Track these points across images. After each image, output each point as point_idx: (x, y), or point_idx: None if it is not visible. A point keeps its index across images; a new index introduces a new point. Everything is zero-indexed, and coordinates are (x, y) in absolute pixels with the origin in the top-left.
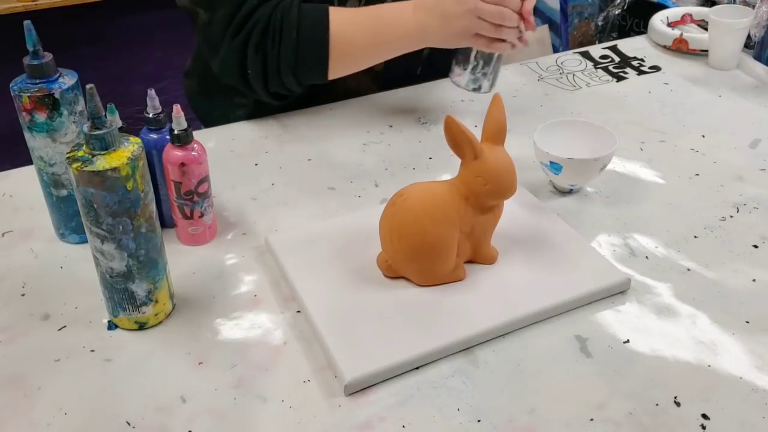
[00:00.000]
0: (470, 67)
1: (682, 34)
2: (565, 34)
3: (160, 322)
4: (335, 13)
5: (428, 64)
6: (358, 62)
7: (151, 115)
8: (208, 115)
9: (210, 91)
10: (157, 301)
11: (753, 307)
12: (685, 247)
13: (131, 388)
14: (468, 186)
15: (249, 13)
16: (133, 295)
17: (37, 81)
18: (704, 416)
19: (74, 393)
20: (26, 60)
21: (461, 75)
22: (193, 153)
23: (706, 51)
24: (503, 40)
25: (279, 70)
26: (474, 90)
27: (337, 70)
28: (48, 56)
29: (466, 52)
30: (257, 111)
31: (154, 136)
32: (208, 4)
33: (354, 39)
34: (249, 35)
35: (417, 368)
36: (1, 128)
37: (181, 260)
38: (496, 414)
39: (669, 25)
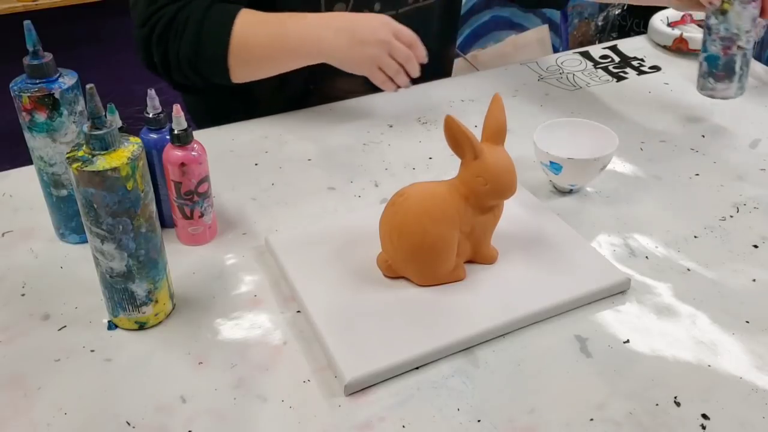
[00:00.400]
0: (737, 76)
1: (682, 34)
2: (565, 34)
3: (160, 322)
4: (244, 16)
5: (421, 67)
6: (257, 67)
7: (151, 115)
8: (201, 115)
9: (204, 91)
10: (157, 301)
11: (753, 307)
12: (685, 247)
13: (131, 388)
14: (468, 186)
15: (161, 6)
16: (133, 295)
17: (37, 81)
18: (704, 416)
19: (74, 393)
20: (26, 60)
21: (728, 88)
22: (193, 153)
23: None
24: (393, 81)
25: (179, 63)
26: (737, 96)
27: (239, 73)
28: (48, 56)
29: (730, 66)
30: (252, 111)
31: (154, 136)
32: None
33: (253, 43)
34: (154, 27)
35: (417, 368)
36: (1, 128)
37: (181, 260)
38: (496, 414)
39: (669, 25)
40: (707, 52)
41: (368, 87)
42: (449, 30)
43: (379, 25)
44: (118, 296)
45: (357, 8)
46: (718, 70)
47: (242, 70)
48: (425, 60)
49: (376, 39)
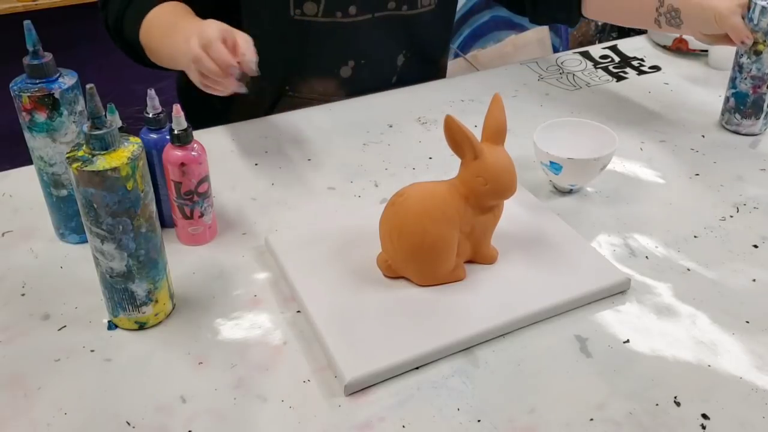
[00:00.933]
0: (764, 113)
1: (682, 34)
2: (565, 34)
3: (160, 322)
4: (164, 7)
5: (404, 73)
6: (159, 59)
7: (151, 115)
8: (196, 112)
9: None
10: (157, 301)
11: (753, 307)
12: (685, 247)
13: (131, 388)
14: (468, 186)
15: None
16: (133, 295)
17: (37, 81)
18: (704, 416)
19: (74, 393)
20: (26, 60)
21: (755, 125)
22: (193, 153)
23: (706, 51)
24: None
25: (112, 33)
26: (762, 132)
27: (153, 58)
28: (48, 56)
29: (758, 104)
30: (226, 110)
31: (154, 136)
32: None
33: (152, 34)
34: None
35: (417, 368)
36: (1, 128)
37: (181, 260)
38: (496, 414)
39: None
40: (736, 89)
41: (345, 90)
42: (442, 38)
43: (194, 35)
44: (118, 296)
45: (329, 8)
46: (745, 108)
47: (152, 57)
48: (241, 89)
49: (186, 47)
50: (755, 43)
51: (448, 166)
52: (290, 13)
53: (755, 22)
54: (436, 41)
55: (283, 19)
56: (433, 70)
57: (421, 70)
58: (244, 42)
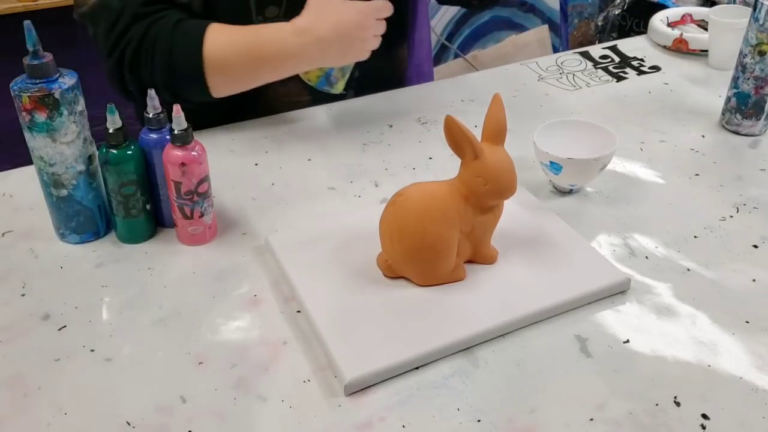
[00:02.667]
0: (765, 114)
1: (682, 34)
2: (565, 34)
3: None
4: (213, 33)
5: (356, 86)
6: (240, 82)
7: (151, 115)
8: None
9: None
10: None
11: (753, 307)
12: (685, 247)
13: (131, 388)
14: (468, 186)
15: (123, 31)
16: None
17: (37, 81)
18: (704, 416)
19: (74, 393)
20: (26, 60)
21: (755, 125)
22: (193, 153)
23: (706, 51)
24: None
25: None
26: (762, 134)
27: (220, 89)
28: (48, 56)
29: (760, 105)
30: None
31: (154, 136)
32: (91, 18)
33: (230, 59)
34: (122, 54)
35: (417, 368)
36: (1, 128)
37: (181, 260)
38: (496, 414)
39: (669, 25)
40: (738, 89)
41: (312, 96)
42: (395, 32)
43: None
44: None
45: (291, 10)
46: (747, 108)
47: (222, 86)
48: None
49: (364, 35)
50: (760, 43)
51: (448, 166)
52: (253, 19)
53: (761, 22)
54: (390, 33)
55: (248, 24)
56: (392, 65)
57: (370, 80)
58: None
